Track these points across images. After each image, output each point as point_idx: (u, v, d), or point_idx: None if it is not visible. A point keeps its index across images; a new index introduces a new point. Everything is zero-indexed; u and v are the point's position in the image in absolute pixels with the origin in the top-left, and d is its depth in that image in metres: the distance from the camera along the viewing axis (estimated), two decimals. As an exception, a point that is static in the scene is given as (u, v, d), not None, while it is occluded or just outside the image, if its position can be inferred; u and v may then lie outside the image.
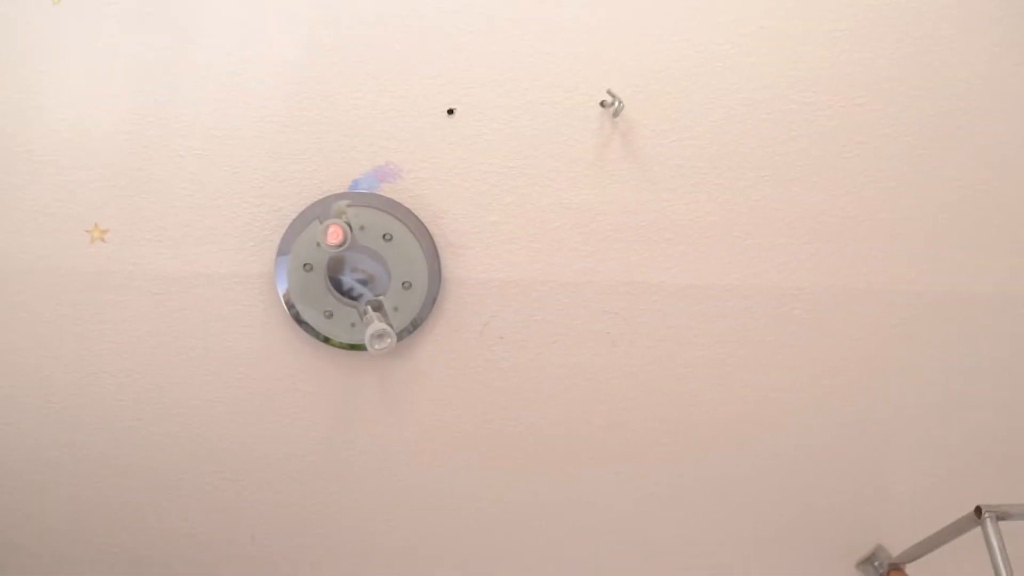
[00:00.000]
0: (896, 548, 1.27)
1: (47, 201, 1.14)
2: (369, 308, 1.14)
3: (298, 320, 1.17)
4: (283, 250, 1.15)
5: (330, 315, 1.16)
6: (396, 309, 1.16)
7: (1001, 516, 1.05)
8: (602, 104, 1.12)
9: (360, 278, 1.16)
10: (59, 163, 1.13)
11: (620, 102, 1.10)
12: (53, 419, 1.25)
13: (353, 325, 1.17)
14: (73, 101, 1.12)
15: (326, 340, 1.18)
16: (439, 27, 1.09)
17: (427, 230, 1.15)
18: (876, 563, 1.30)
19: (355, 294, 1.17)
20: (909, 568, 1.25)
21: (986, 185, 1.18)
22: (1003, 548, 1.02)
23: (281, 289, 1.16)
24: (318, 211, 1.13)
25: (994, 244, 1.20)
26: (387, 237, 1.13)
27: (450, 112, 1.12)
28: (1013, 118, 1.16)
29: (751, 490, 1.32)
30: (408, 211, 1.14)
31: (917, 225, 1.18)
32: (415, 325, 1.18)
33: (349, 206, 1.12)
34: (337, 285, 1.16)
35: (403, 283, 1.15)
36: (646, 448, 1.29)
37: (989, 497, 1.07)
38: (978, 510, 1.06)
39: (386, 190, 1.14)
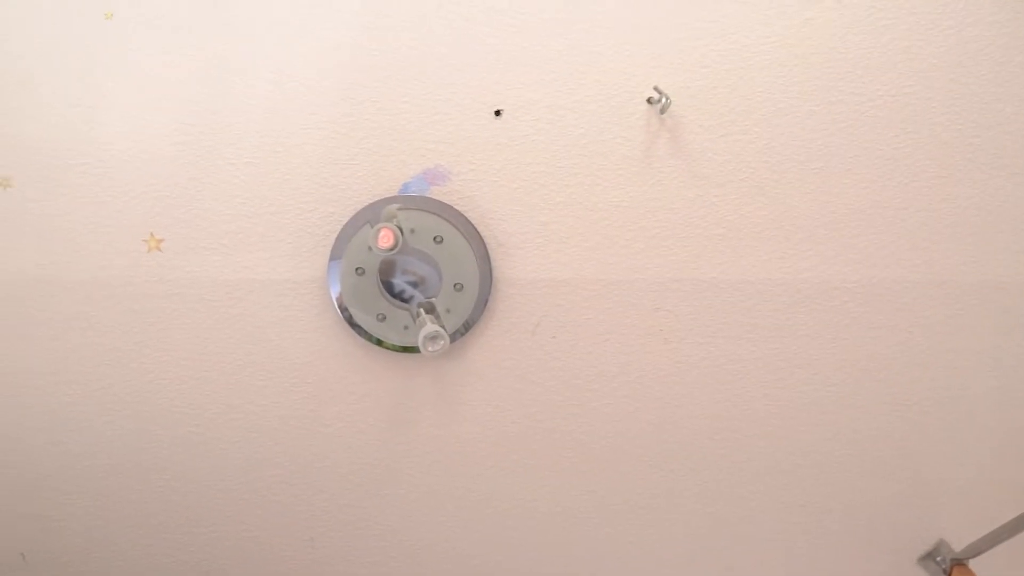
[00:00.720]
0: (960, 543, 1.25)
1: (103, 213, 1.16)
2: (421, 310, 1.15)
3: (351, 323, 1.19)
4: (335, 255, 1.16)
5: (383, 318, 1.18)
6: (448, 311, 1.17)
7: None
8: (649, 101, 1.12)
9: (412, 281, 1.17)
10: (113, 175, 1.15)
11: (667, 98, 1.10)
12: (112, 426, 1.27)
13: (406, 327, 1.18)
14: (126, 114, 1.14)
15: (379, 343, 1.20)
16: (483, 28, 1.10)
17: (477, 232, 1.16)
18: (939, 558, 1.28)
19: (407, 297, 1.18)
20: (973, 564, 1.23)
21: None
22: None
23: (334, 293, 1.17)
24: (369, 215, 1.14)
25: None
26: (438, 239, 1.14)
27: (497, 113, 1.13)
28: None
29: (807, 485, 1.31)
30: (458, 213, 1.15)
31: (969, 215, 1.17)
32: (467, 327, 1.19)
33: (400, 209, 1.14)
34: (389, 288, 1.17)
35: (455, 285, 1.16)
36: (700, 445, 1.28)
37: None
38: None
39: (436, 193, 1.15)
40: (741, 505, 1.34)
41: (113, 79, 1.14)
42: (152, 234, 1.18)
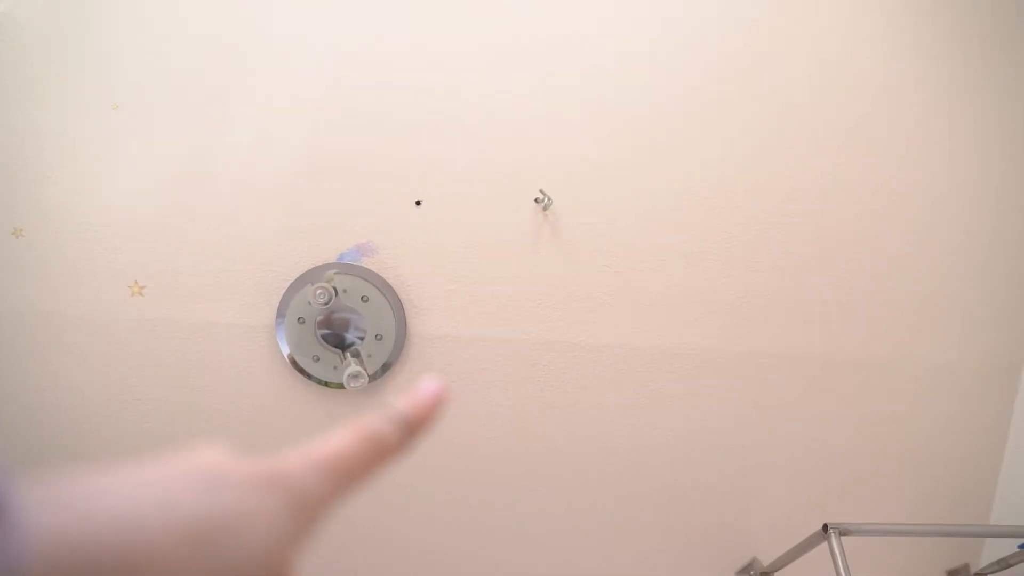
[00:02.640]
0: (767, 559, 1.55)
1: (97, 261, 1.45)
2: (348, 355, 1.45)
3: (292, 362, 1.47)
4: (282, 307, 1.45)
5: (317, 359, 1.47)
6: (370, 356, 1.46)
7: (843, 532, 1.32)
8: (535, 200, 1.44)
9: (342, 331, 1.47)
10: (107, 231, 1.44)
11: (549, 199, 1.42)
12: (93, 435, 1.54)
13: (335, 368, 1.47)
14: (121, 184, 1.43)
15: (314, 379, 1.48)
16: (408, 134, 1.42)
17: (397, 294, 1.45)
18: (752, 572, 1.57)
19: (337, 344, 1.47)
20: (779, 574, 1.52)
21: (849, 271, 1.49)
22: (844, 558, 1.29)
23: (280, 337, 1.46)
24: (311, 277, 1.44)
25: (832, 315, 1.51)
26: (365, 299, 1.44)
27: (418, 203, 1.44)
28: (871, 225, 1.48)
29: (653, 511, 1.60)
30: (382, 279, 1.45)
31: (780, 300, 1.49)
32: (385, 370, 1.48)
33: (336, 274, 1.43)
34: (324, 336, 1.47)
35: (376, 335, 1.46)
36: (566, 472, 1.57)
37: (836, 516, 1.36)
38: (825, 527, 1.34)
39: (365, 262, 1.45)
40: (596, 525, 1.62)
41: (114, 156, 1.43)
42: (136, 281, 1.46)
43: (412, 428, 0.33)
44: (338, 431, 0.31)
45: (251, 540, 0.26)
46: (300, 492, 0.28)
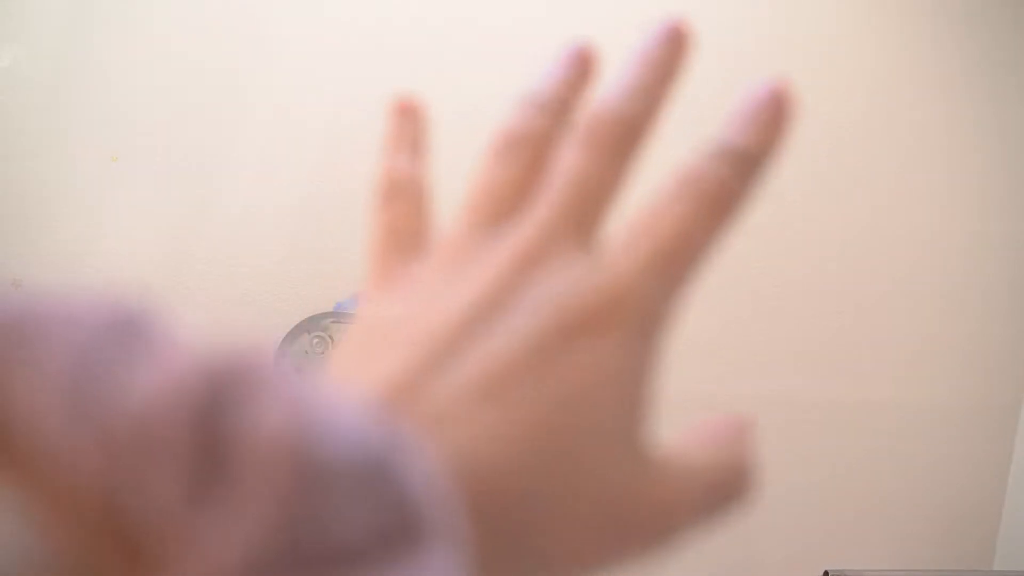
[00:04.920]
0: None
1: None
2: (345, 403, 1.44)
3: (289, 411, 1.47)
4: (279, 356, 1.46)
5: (314, 408, 1.46)
6: (367, 404, 1.46)
7: (843, 578, 1.33)
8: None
9: (339, 379, 1.47)
10: (107, 282, 1.45)
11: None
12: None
13: (332, 417, 1.47)
14: (120, 233, 1.44)
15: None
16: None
17: (393, 343, 1.46)
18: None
19: (335, 392, 1.47)
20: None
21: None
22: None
23: (277, 386, 1.46)
24: (308, 326, 1.44)
25: (830, 357, 1.51)
26: (362, 348, 1.44)
27: (414, 252, 1.45)
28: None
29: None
30: (379, 327, 1.45)
31: (775, 342, 1.50)
32: (382, 417, 1.48)
33: (332, 323, 1.44)
34: (321, 384, 1.46)
35: (373, 384, 1.46)
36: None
37: (837, 562, 1.35)
38: (825, 574, 1.34)
39: (362, 311, 1.46)
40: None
41: (112, 207, 1.44)
42: (133, 331, 1.46)
43: (754, 160, 0.23)
44: (661, 205, 0.22)
45: (604, 395, 0.20)
46: (643, 315, 0.21)
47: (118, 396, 0.13)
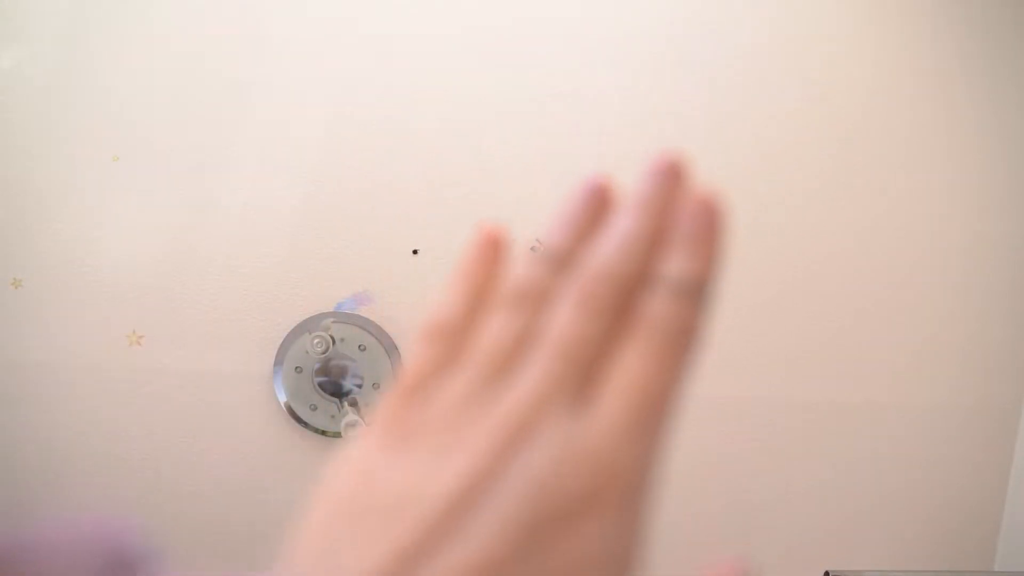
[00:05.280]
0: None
1: (95, 312, 1.45)
2: (346, 404, 1.45)
3: (289, 411, 1.47)
4: (280, 355, 1.46)
5: (315, 408, 1.46)
6: (367, 405, 1.46)
7: (844, 579, 1.32)
8: (532, 249, 1.44)
9: (339, 380, 1.47)
10: (106, 282, 1.45)
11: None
12: (91, 483, 1.53)
13: (332, 417, 1.46)
14: (121, 235, 1.44)
15: (311, 428, 1.48)
16: (405, 183, 1.43)
17: (394, 343, 1.46)
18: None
19: (334, 392, 1.47)
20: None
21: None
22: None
23: (277, 386, 1.46)
24: (308, 326, 1.45)
25: (832, 359, 1.51)
26: (362, 347, 1.44)
27: (415, 252, 1.45)
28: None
29: (653, 558, 1.58)
30: (379, 327, 1.45)
31: (778, 344, 1.50)
32: (382, 418, 1.48)
33: (333, 322, 1.44)
34: (321, 384, 1.47)
35: (374, 384, 1.46)
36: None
37: (838, 563, 1.35)
38: (826, 574, 1.33)
39: (363, 311, 1.46)
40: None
41: (113, 207, 1.44)
42: (134, 330, 1.46)
43: (701, 283, 0.22)
44: (623, 357, 0.22)
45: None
46: (625, 486, 0.21)
47: None
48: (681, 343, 0.23)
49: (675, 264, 0.22)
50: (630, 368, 0.22)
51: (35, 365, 1.46)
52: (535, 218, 1.45)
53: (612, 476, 0.20)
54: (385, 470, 0.22)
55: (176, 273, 1.45)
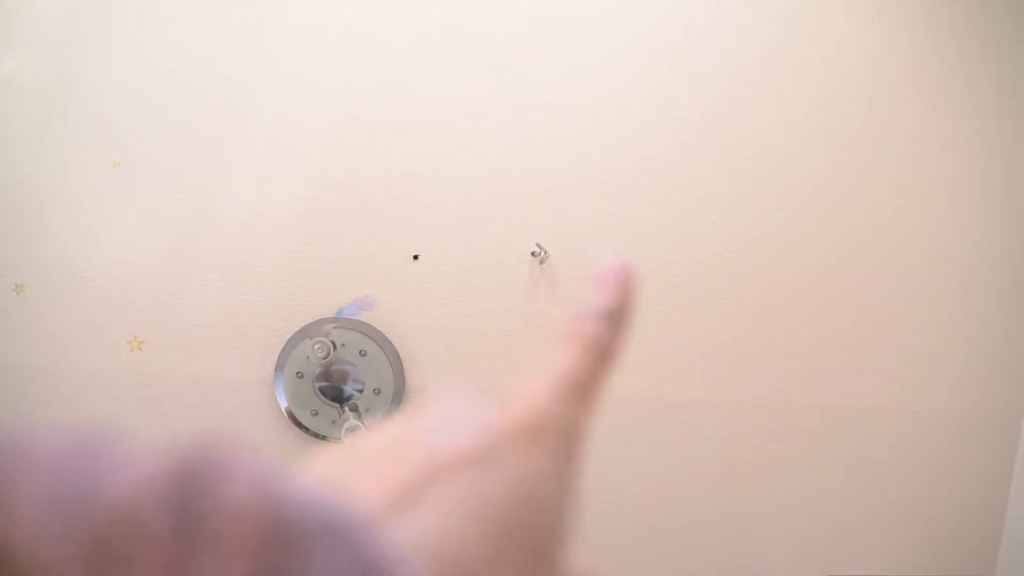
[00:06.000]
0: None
1: (96, 317, 1.45)
2: (346, 409, 1.45)
3: (290, 416, 1.47)
4: (281, 361, 1.46)
5: (316, 413, 1.47)
6: (368, 410, 1.46)
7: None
8: (532, 254, 1.45)
9: (340, 385, 1.47)
10: (107, 288, 1.45)
11: (546, 252, 1.43)
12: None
13: (333, 422, 1.47)
14: (122, 241, 1.45)
15: (312, 433, 1.48)
16: (405, 191, 1.43)
17: (395, 348, 1.46)
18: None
19: (335, 397, 1.47)
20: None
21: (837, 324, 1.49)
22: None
23: (278, 391, 1.46)
24: (309, 331, 1.45)
25: (831, 364, 1.51)
26: (363, 353, 1.44)
27: (415, 258, 1.45)
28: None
29: (649, 563, 1.58)
30: (380, 333, 1.45)
31: (777, 349, 1.49)
32: (383, 423, 1.48)
33: (334, 328, 1.44)
34: (322, 390, 1.47)
35: (374, 389, 1.46)
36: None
37: (837, 568, 1.35)
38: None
39: (363, 316, 1.46)
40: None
41: (115, 213, 1.44)
42: (135, 336, 1.46)
43: (617, 315, 0.31)
44: (559, 351, 0.30)
45: (543, 501, 0.24)
46: (559, 431, 0.27)
47: (94, 498, 0.14)
48: (604, 355, 0.30)
49: (603, 299, 0.31)
50: (562, 361, 0.29)
51: (36, 370, 1.46)
52: (535, 223, 1.45)
53: (548, 425, 0.27)
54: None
55: (177, 278, 1.45)
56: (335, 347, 1.42)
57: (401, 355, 1.46)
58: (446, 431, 0.25)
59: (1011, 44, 1.52)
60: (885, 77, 1.51)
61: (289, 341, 1.45)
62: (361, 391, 1.46)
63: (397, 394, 1.46)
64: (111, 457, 0.15)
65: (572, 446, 0.27)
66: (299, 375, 1.45)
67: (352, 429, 1.39)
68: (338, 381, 1.46)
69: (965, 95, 1.51)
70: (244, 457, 0.16)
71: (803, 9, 1.49)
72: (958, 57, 1.52)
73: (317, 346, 1.40)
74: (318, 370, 1.46)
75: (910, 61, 1.51)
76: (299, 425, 1.47)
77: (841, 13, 1.50)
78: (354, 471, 0.24)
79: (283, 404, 1.46)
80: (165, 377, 1.47)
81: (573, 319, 0.31)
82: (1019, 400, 1.57)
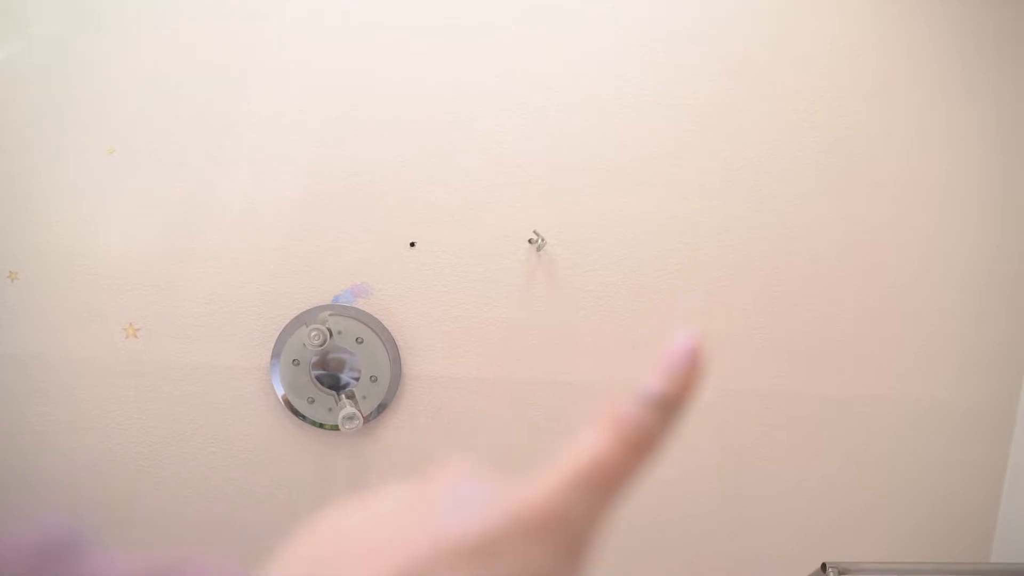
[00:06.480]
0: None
1: (92, 305, 1.45)
2: (343, 396, 1.44)
3: (286, 404, 1.47)
4: (277, 348, 1.45)
5: (312, 401, 1.46)
6: (364, 397, 1.46)
7: (842, 571, 1.31)
8: (529, 241, 1.44)
9: (336, 372, 1.47)
10: (105, 275, 1.44)
11: (543, 240, 1.43)
12: (89, 476, 1.53)
13: (330, 409, 1.46)
14: (118, 228, 1.44)
15: (309, 421, 1.48)
16: (402, 180, 1.43)
17: (391, 336, 1.46)
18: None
19: (332, 385, 1.47)
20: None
21: (837, 314, 1.49)
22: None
23: (274, 379, 1.46)
24: (305, 319, 1.44)
25: (829, 353, 1.51)
26: (359, 340, 1.44)
27: (412, 245, 1.45)
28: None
29: (648, 551, 1.58)
30: (377, 320, 1.45)
31: (776, 338, 1.49)
32: (380, 411, 1.48)
33: (330, 315, 1.44)
34: (319, 377, 1.46)
35: (371, 377, 1.46)
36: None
37: (835, 555, 1.35)
38: (823, 566, 1.33)
39: (360, 304, 1.45)
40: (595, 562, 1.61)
41: (110, 200, 1.44)
42: (131, 323, 1.46)
43: (671, 405, 0.27)
44: (589, 432, 0.27)
45: None
46: (570, 529, 0.25)
47: None
48: (645, 448, 0.27)
49: (661, 383, 0.28)
50: (588, 448, 0.27)
51: (31, 357, 1.46)
52: (532, 210, 1.44)
53: (557, 519, 0.25)
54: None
55: (173, 266, 1.45)
56: (331, 335, 1.42)
57: (398, 342, 1.46)
58: (454, 508, 0.25)
59: (1009, 34, 1.52)
60: (885, 65, 1.50)
61: (285, 329, 1.45)
62: (357, 379, 1.46)
63: (393, 382, 1.46)
64: (83, 563, 0.16)
65: (581, 546, 0.26)
66: (295, 363, 1.45)
67: (349, 417, 1.39)
68: (335, 369, 1.46)
69: (965, 84, 1.51)
70: (215, 570, 0.16)
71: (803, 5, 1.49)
72: (958, 44, 1.51)
73: (313, 333, 1.40)
74: (314, 358, 1.45)
75: (910, 49, 1.51)
76: (295, 413, 1.47)
77: (841, 3, 1.49)
78: (349, 554, 0.24)
79: (279, 392, 1.46)
80: (161, 365, 1.47)
81: (614, 397, 0.27)
82: (1015, 391, 1.57)
